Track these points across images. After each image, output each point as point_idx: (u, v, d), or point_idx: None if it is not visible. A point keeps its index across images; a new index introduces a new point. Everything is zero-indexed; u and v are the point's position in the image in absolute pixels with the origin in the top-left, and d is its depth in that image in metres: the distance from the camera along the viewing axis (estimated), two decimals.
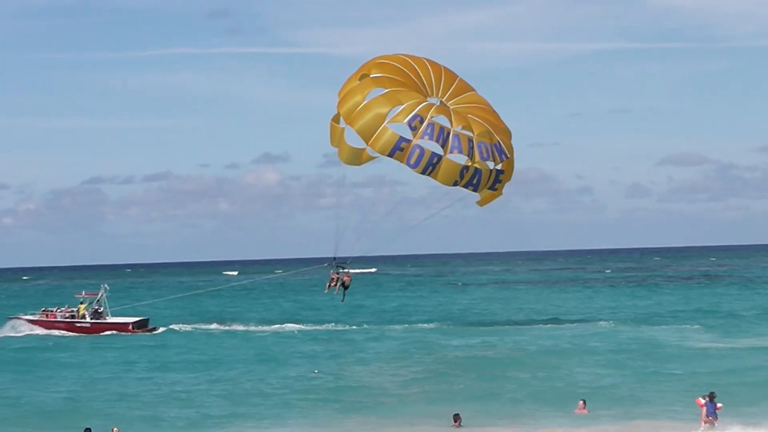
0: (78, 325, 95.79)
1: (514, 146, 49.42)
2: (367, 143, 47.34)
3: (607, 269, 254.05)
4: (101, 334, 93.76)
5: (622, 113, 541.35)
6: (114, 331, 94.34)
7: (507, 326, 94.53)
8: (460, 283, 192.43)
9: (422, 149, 46.77)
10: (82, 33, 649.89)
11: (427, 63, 49.33)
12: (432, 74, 49.11)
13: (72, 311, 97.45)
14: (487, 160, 47.68)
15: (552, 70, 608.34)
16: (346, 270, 51.48)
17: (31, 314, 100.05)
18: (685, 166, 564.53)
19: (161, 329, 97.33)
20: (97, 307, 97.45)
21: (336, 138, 48.77)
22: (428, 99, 48.33)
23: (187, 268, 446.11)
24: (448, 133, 46.90)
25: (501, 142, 48.27)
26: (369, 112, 47.23)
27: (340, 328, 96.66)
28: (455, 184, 47.72)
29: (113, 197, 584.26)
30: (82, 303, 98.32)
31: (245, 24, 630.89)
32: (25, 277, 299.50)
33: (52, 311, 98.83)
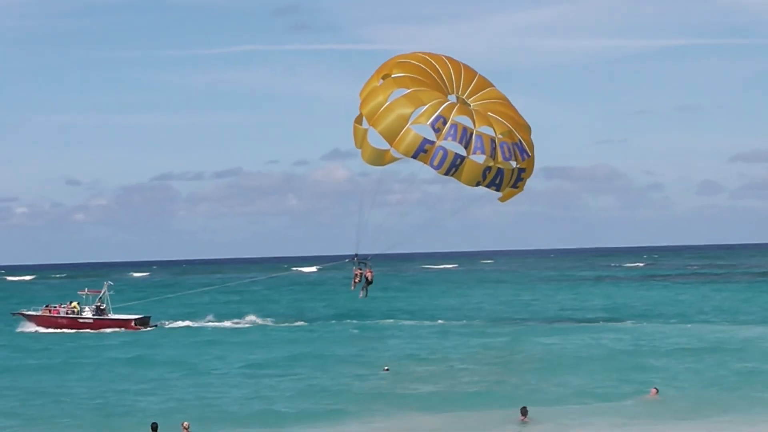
0: (81, 321, 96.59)
1: (534, 142, 49.66)
2: (390, 144, 47.70)
3: (690, 264, 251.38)
4: (103, 330, 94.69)
5: (689, 110, 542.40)
6: (116, 328, 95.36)
7: (606, 322, 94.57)
8: (545, 281, 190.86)
9: (446, 150, 47.09)
10: (151, 31, 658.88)
11: (446, 60, 49.65)
12: (452, 71, 49.41)
13: (75, 308, 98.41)
14: (509, 159, 47.93)
15: (618, 66, 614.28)
16: (369, 265, 51.85)
17: (34, 310, 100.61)
18: (756, 163, 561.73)
19: (166, 324, 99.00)
20: (99, 304, 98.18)
21: (359, 139, 49.19)
22: (449, 97, 48.65)
23: (254, 263, 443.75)
24: (471, 134, 47.19)
25: (522, 140, 48.48)
26: (392, 113, 47.58)
27: (413, 323, 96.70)
28: (478, 184, 48.02)
29: (183, 193, 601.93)
30: (74, 301, 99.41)
31: (313, 20, 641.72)
32: (136, 274, 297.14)
33: (55, 307, 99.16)
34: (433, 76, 48.87)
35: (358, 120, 49.21)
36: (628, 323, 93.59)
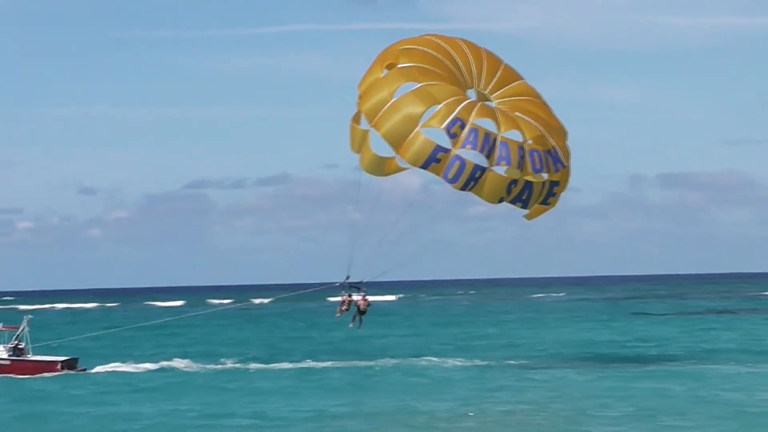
0: None
1: (570, 149, 41.38)
2: (396, 151, 39.31)
3: None
4: (22, 375, 79.00)
5: None
6: (38, 373, 78.80)
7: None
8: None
9: (463, 161, 38.75)
10: (180, 7, 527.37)
11: (464, 46, 41.02)
12: (471, 60, 40.89)
13: None
14: (540, 171, 39.66)
15: (754, 49, 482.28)
16: (362, 292, 43.47)
17: None
18: None
19: (97, 369, 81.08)
20: (16, 343, 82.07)
21: (357, 141, 40.58)
22: (467, 93, 40.15)
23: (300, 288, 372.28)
24: (495, 140, 38.79)
25: (556, 147, 40.15)
26: (398, 112, 39.05)
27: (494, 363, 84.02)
28: (501, 200, 39.80)
29: (220, 204, 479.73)
30: None
31: None
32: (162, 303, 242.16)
33: None
34: (449, 66, 40.22)
35: (356, 118, 40.51)
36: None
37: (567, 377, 70.79)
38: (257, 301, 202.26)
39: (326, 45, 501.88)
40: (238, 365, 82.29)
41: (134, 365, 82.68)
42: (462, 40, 41.45)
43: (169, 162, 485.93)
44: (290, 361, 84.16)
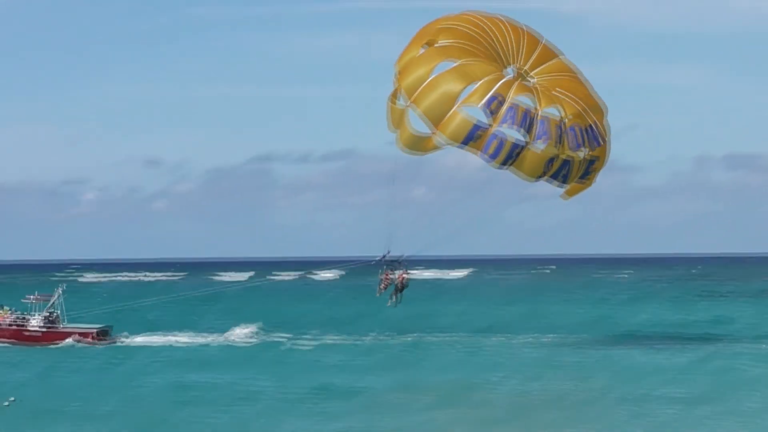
0: (27, 333, 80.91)
1: (609, 125, 41.12)
2: (434, 129, 39.24)
3: None
4: (56, 344, 79.43)
5: None
6: (71, 341, 79.53)
7: None
8: None
9: (502, 138, 38.82)
10: None
11: (503, 23, 40.96)
12: (510, 37, 40.81)
13: (19, 316, 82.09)
14: (579, 148, 39.60)
15: None
16: (404, 267, 43.20)
17: None
18: None
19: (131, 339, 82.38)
20: (49, 313, 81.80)
21: (395, 120, 40.65)
22: (506, 70, 40.11)
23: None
24: (533, 117, 38.76)
25: (595, 124, 40.13)
26: (436, 90, 39.13)
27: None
28: (539, 177, 39.79)
29: (285, 179, 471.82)
30: (2, 306, 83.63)
31: None
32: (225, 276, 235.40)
33: None
34: (487, 43, 40.21)
35: (394, 97, 40.58)
36: None
37: (632, 356, 70.37)
38: (278, 277, 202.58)
39: (393, 24, 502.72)
40: (297, 338, 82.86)
41: (174, 336, 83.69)
42: (501, 17, 41.39)
43: (234, 136, 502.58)
44: (350, 335, 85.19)
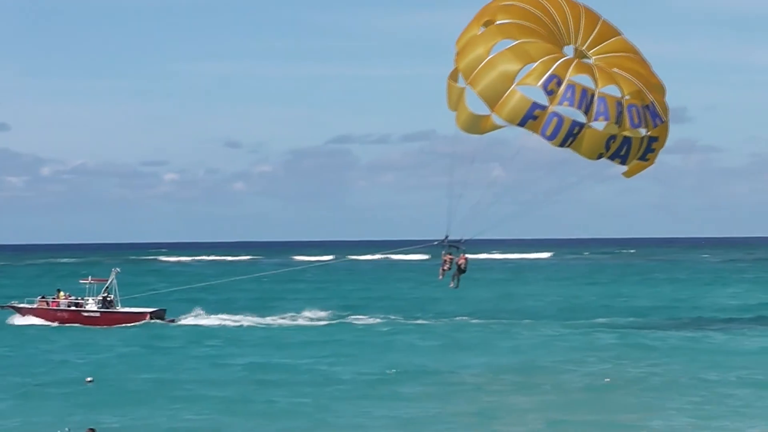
0: (85, 315, 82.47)
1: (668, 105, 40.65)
2: (491, 109, 39.23)
3: None
4: (112, 326, 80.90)
5: None
6: (126, 323, 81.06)
7: None
8: None
9: (561, 117, 38.56)
10: None
11: (562, 1, 40.52)
12: (570, 16, 40.51)
13: (76, 300, 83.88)
14: (638, 126, 39.27)
15: None
16: (462, 251, 43.07)
17: (28, 302, 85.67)
18: None
19: (185, 319, 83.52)
20: (106, 295, 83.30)
21: (454, 99, 40.55)
22: (564, 50, 39.84)
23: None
24: (592, 96, 38.54)
25: (654, 102, 39.73)
26: (494, 69, 38.95)
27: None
28: (600, 156, 39.49)
29: (364, 160, 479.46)
30: (62, 291, 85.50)
31: None
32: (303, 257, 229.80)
33: (53, 299, 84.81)
34: (546, 22, 39.91)
35: (453, 76, 40.49)
36: None
37: (713, 338, 69.44)
38: (357, 257, 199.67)
39: (473, 3, 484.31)
40: (374, 320, 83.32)
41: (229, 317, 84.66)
42: None
43: (314, 117, 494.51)
44: (427, 317, 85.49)
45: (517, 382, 52.59)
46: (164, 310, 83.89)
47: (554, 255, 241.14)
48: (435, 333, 74.02)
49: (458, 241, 42.92)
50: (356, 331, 77.05)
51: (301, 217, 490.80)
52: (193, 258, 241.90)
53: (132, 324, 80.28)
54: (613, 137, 39.01)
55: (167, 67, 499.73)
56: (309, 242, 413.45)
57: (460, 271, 43.31)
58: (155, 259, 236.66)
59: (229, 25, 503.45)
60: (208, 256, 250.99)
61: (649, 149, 40.01)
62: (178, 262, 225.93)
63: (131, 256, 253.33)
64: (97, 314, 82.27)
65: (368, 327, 79.42)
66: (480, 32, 39.92)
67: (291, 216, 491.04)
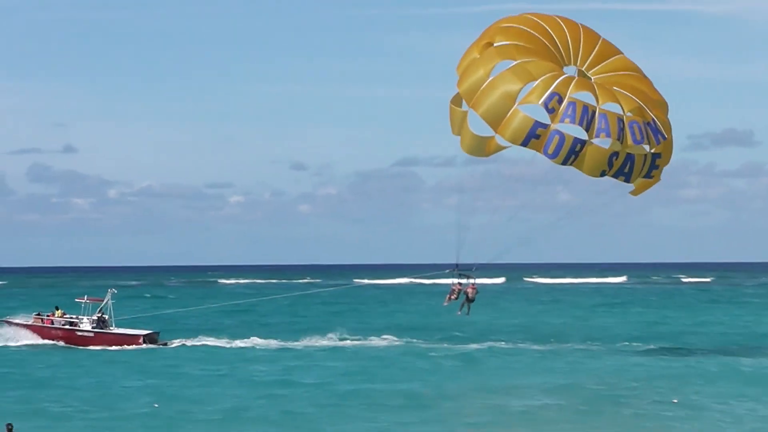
0: (79, 334, 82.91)
1: (671, 122, 40.88)
2: (495, 130, 39.42)
3: None
4: (105, 347, 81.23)
5: None
6: (119, 346, 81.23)
7: None
8: None
9: (562, 135, 38.76)
10: None
11: (561, 22, 41.01)
12: (569, 36, 40.87)
13: (71, 318, 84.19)
14: (641, 143, 39.35)
15: None
16: (471, 280, 43.27)
17: (23, 318, 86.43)
18: None
19: (175, 342, 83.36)
20: (101, 315, 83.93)
21: (457, 124, 40.89)
22: (565, 69, 40.18)
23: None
24: (594, 113, 38.73)
25: (656, 119, 39.91)
26: (495, 90, 39.25)
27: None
28: (603, 174, 39.59)
29: (429, 182, 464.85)
30: (59, 309, 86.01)
31: None
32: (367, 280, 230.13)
33: (47, 316, 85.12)
34: (545, 43, 40.27)
35: (456, 100, 40.87)
36: None
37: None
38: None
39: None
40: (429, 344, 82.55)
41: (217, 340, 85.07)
42: (559, 17, 41.47)
43: (379, 139, 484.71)
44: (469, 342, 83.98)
45: (592, 406, 52.45)
46: (157, 333, 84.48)
47: (630, 279, 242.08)
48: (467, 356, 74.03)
49: (470, 268, 43.10)
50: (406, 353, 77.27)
51: (366, 239, 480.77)
52: (252, 280, 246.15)
53: (124, 347, 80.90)
54: (615, 154, 39.12)
55: (233, 88, 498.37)
56: (372, 265, 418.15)
57: (469, 300, 43.47)
58: (215, 282, 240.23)
59: (295, 47, 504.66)
60: (267, 279, 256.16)
61: (653, 166, 40.04)
62: (236, 284, 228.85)
63: (193, 278, 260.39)
64: (91, 334, 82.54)
65: (425, 350, 78.90)
66: (479, 55, 40.34)
67: (355, 238, 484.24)
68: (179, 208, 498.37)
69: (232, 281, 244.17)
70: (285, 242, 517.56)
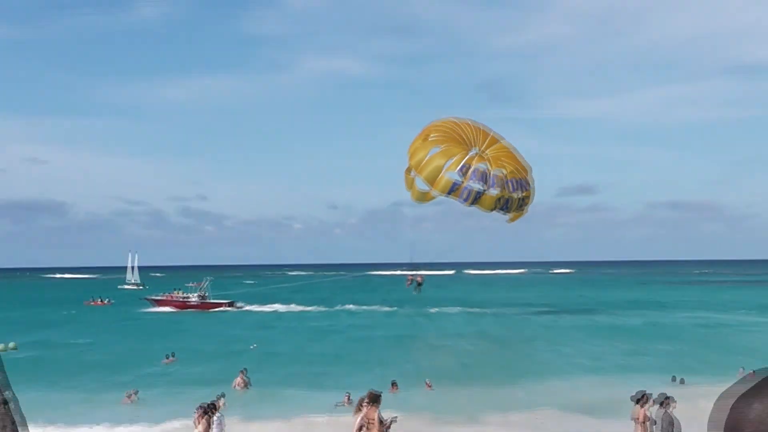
0: (189, 304, 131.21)
1: (534, 178, 69.55)
2: (431, 187, 67.95)
3: None
4: (205, 310, 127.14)
5: None
6: (213, 309, 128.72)
7: None
8: None
9: (470, 188, 67.06)
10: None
11: (469, 124, 69.52)
12: (473, 132, 69.33)
13: (185, 295, 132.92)
14: (515, 191, 67.91)
15: None
16: (419, 272, 72.12)
17: (155, 296, 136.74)
18: None
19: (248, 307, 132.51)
20: (201, 293, 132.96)
21: (408, 184, 69.47)
22: (471, 150, 68.75)
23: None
24: (488, 175, 67.31)
25: (524, 178, 68.46)
26: (431, 164, 67.72)
27: None
28: (492, 210, 68.07)
29: (409, 216, 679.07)
30: (178, 290, 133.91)
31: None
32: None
33: (170, 294, 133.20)
34: (460, 135, 69.00)
35: (408, 171, 69.51)
36: None
37: None
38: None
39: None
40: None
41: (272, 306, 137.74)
42: (469, 120, 69.90)
43: (380, 189, 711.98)
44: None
45: None
46: (234, 302, 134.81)
47: (527, 271, 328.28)
48: None
49: (416, 266, 71.89)
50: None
51: (375, 248, 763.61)
52: (305, 272, 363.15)
53: (216, 309, 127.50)
54: (500, 198, 67.70)
55: (292, 153, 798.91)
56: (371, 265, 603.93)
57: (418, 284, 72.29)
58: (283, 273, 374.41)
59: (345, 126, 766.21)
60: (313, 271, 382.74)
61: (522, 204, 68.88)
62: (298, 276, 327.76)
63: (274, 271, 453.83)
64: (197, 303, 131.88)
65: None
66: (421, 143, 68.97)
67: (368, 248, 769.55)
68: (264, 230, 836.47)
69: (295, 273, 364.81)
70: (327, 250, 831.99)
